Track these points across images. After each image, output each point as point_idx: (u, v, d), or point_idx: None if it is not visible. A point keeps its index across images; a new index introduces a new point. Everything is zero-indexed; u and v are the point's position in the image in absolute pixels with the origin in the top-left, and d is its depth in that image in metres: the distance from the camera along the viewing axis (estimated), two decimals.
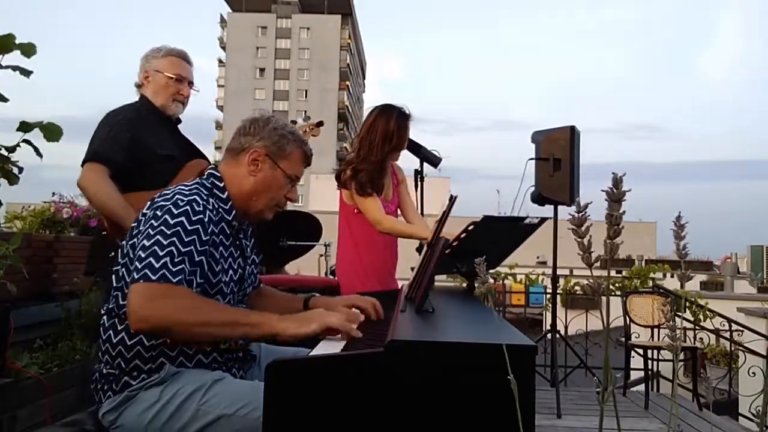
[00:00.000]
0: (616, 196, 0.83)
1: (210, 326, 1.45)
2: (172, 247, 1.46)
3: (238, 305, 1.73)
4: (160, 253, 1.44)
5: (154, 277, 1.41)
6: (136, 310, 1.40)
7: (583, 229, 0.84)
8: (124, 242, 1.60)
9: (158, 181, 2.32)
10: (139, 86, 2.65)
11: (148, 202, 1.59)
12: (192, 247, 1.49)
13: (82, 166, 2.41)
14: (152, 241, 1.46)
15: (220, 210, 1.63)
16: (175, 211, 1.50)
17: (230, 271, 1.66)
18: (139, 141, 2.45)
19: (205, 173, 1.70)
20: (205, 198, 1.58)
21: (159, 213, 1.51)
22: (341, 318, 1.51)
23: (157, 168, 2.44)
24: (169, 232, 1.47)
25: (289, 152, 1.69)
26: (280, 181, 1.70)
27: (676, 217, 0.86)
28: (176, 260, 1.45)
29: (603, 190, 0.85)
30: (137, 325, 1.41)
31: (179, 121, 2.71)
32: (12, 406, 2.41)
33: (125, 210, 2.29)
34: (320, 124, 3.19)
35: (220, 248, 1.61)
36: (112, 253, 2.22)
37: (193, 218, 1.51)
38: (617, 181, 0.84)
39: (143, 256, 1.45)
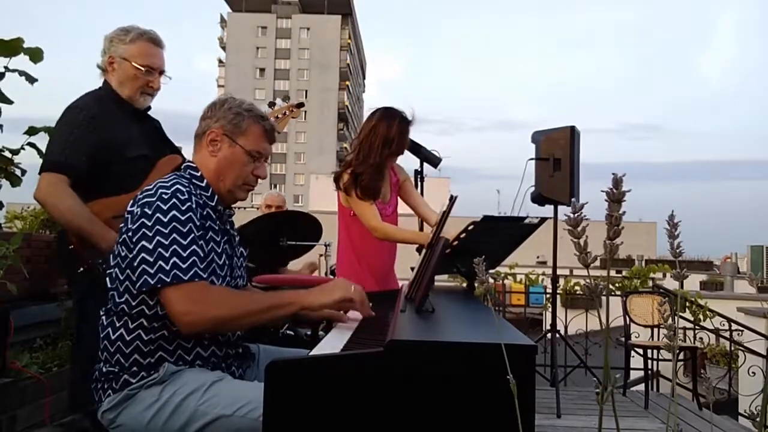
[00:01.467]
0: (616, 197, 0.83)
1: (252, 315, 1.54)
2: (175, 245, 1.47)
3: None
4: (166, 254, 1.46)
5: (168, 279, 1.44)
6: (183, 318, 1.45)
7: (579, 229, 0.84)
8: (115, 243, 1.59)
9: (129, 183, 2.13)
10: (102, 70, 2.32)
11: (131, 201, 1.59)
12: (192, 235, 1.51)
13: (39, 174, 2.14)
14: (153, 242, 1.47)
15: (203, 196, 1.65)
16: (164, 207, 1.51)
17: (224, 255, 1.67)
18: (105, 142, 2.16)
19: (182, 168, 1.71)
20: (186, 185, 1.60)
21: (148, 211, 1.51)
22: (360, 294, 1.64)
23: (127, 170, 2.19)
24: (166, 230, 1.49)
25: (245, 128, 1.69)
26: (241, 158, 1.69)
27: (669, 216, 0.86)
28: (184, 255, 1.47)
29: (603, 191, 0.84)
30: (188, 329, 1.49)
31: (149, 108, 2.41)
32: (12, 406, 2.41)
33: (90, 224, 2.09)
34: (300, 105, 3.09)
35: (210, 233, 1.62)
36: (81, 269, 2.14)
37: (183, 207, 1.53)
38: (617, 182, 0.83)
39: (150, 259, 1.46)
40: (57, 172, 2.11)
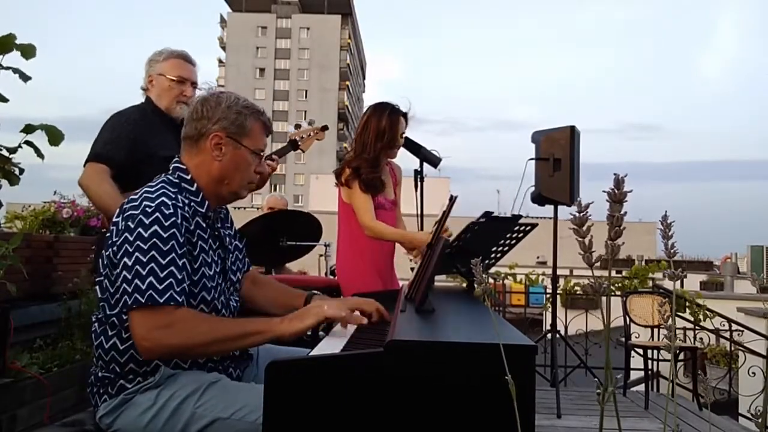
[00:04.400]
0: (617, 197, 0.83)
1: (219, 343, 1.47)
2: (153, 264, 1.42)
3: (231, 296, 1.71)
4: (143, 273, 1.41)
5: (143, 300, 1.40)
6: (141, 342, 1.41)
7: (584, 229, 0.84)
8: (102, 252, 1.56)
9: None
10: (144, 90, 2.69)
11: (118, 209, 1.54)
12: (173, 254, 1.45)
13: (84, 165, 2.46)
14: (132, 259, 1.43)
15: (193, 204, 1.58)
16: (147, 221, 1.45)
17: (213, 265, 1.62)
18: (142, 142, 2.49)
19: (171, 169, 1.64)
20: (173, 196, 1.53)
21: (131, 224, 1.46)
22: (338, 308, 1.55)
23: (159, 169, 2.38)
24: (146, 247, 1.43)
25: (249, 128, 1.63)
26: (247, 159, 1.64)
27: (662, 216, 0.85)
28: (161, 276, 1.42)
29: (604, 191, 0.84)
30: (146, 355, 1.45)
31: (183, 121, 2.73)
32: (12, 406, 2.41)
33: None
34: (325, 128, 3.24)
35: (199, 243, 1.57)
36: None
37: (166, 223, 1.46)
38: (619, 182, 0.83)
39: (129, 277, 1.42)
40: (99, 162, 2.45)
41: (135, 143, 2.48)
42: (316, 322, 1.53)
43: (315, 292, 1.87)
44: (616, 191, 0.82)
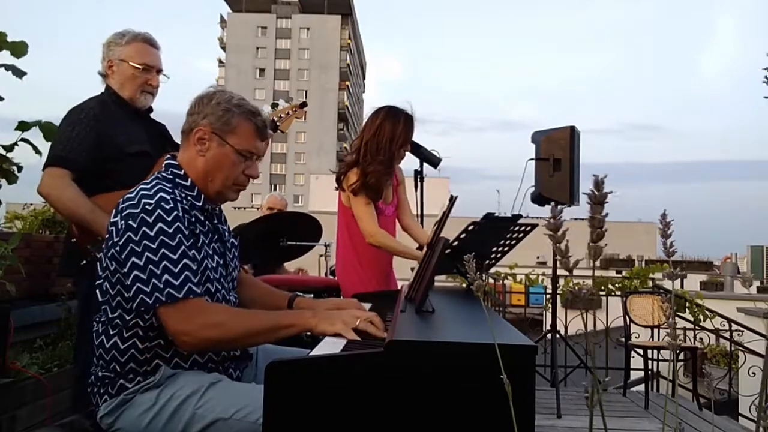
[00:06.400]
0: (598, 199, 0.81)
1: (253, 336, 1.51)
2: (165, 261, 1.43)
3: (230, 293, 1.71)
4: (157, 271, 1.42)
5: (163, 298, 1.41)
6: (181, 338, 1.44)
7: (559, 233, 0.83)
8: (101, 255, 1.55)
9: (130, 179, 2.10)
10: (104, 76, 2.41)
11: (114, 210, 1.53)
12: (183, 247, 1.46)
13: (43, 170, 2.24)
14: (144, 259, 1.43)
15: (189, 198, 1.58)
16: (150, 219, 1.45)
17: (215, 257, 1.62)
18: (106, 140, 2.25)
19: (164, 166, 1.63)
20: (170, 190, 1.52)
21: (133, 223, 1.45)
22: (347, 325, 1.53)
23: (127, 167, 2.24)
24: (154, 245, 1.43)
25: (235, 126, 1.59)
26: (231, 158, 1.60)
27: (662, 215, 0.85)
28: (176, 271, 1.43)
29: (585, 193, 0.82)
30: (186, 349, 1.49)
31: (151, 110, 2.49)
32: (12, 406, 2.41)
33: (92, 214, 2.15)
34: (303, 105, 3.06)
35: (201, 237, 1.57)
36: (84, 262, 2.17)
37: (169, 218, 1.46)
38: (598, 184, 0.81)
39: (144, 277, 1.42)
40: (59, 167, 2.19)
41: (98, 142, 2.23)
42: (338, 332, 1.50)
43: (298, 293, 1.86)
44: (596, 192, 0.80)
